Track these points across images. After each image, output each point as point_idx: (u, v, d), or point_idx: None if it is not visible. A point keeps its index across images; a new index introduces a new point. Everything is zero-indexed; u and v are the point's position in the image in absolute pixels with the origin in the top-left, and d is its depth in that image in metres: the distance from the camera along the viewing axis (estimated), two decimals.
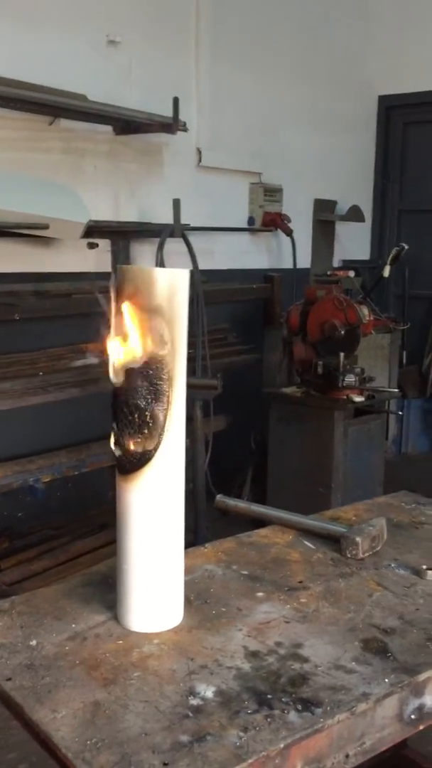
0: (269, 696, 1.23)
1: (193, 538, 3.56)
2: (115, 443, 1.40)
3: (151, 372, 1.36)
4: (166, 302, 1.35)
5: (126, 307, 1.35)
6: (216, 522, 4.04)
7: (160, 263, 3.92)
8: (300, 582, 1.64)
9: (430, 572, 1.66)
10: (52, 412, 3.81)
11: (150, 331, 1.35)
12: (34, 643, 1.37)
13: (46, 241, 3.75)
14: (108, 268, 4.18)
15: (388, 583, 1.64)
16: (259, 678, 1.28)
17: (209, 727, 1.14)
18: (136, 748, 1.09)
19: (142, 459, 1.38)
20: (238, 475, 4.69)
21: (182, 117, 4.04)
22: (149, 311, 1.34)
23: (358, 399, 3.99)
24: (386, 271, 4.21)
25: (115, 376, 1.38)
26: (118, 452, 1.40)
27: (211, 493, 4.09)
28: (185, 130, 4.15)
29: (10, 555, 3.61)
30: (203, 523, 3.84)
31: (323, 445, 4.00)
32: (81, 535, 3.90)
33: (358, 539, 1.75)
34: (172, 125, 4.02)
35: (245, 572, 1.68)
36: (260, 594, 1.58)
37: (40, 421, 3.84)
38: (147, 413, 1.37)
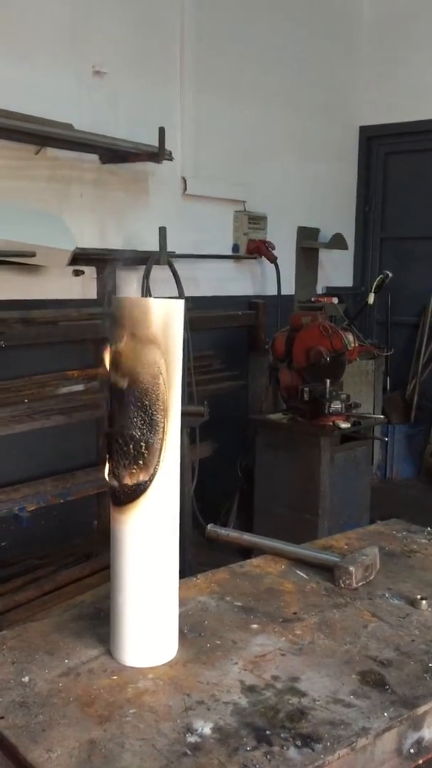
0: (268, 732, 1.21)
1: (180, 567, 3.53)
2: (110, 474, 1.39)
3: (146, 402, 1.35)
4: (161, 332, 1.35)
5: (121, 337, 1.35)
6: (200, 549, 4.01)
7: (146, 291, 3.92)
8: (294, 613, 1.63)
9: (424, 602, 1.66)
10: (37, 439, 3.78)
11: (145, 361, 1.34)
12: (26, 679, 1.34)
13: (32, 268, 3.75)
14: (94, 295, 4.18)
15: (383, 613, 1.63)
16: (257, 713, 1.26)
17: (208, 766, 1.12)
18: None
19: (137, 490, 1.37)
20: (224, 502, 4.67)
21: (168, 146, 4.08)
22: (144, 341, 1.34)
23: (345, 425, 3.99)
24: (371, 299, 4.25)
25: (109, 408, 1.37)
26: (112, 484, 1.39)
27: (197, 521, 4.06)
28: (171, 159, 4.18)
29: None
30: (190, 551, 3.81)
31: (310, 471, 4.00)
32: (66, 564, 3.84)
33: (351, 569, 1.74)
34: (157, 154, 4.05)
35: (239, 603, 1.67)
36: (255, 626, 1.57)
37: (25, 448, 3.80)
38: (142, 444, 1.36)
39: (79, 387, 3.91)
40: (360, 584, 1.75)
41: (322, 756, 1.15)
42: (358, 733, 1.21)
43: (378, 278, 4.29)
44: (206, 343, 4.78)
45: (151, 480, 1.37)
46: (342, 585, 1.75)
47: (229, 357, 4.93)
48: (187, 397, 4.01)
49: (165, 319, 1.36)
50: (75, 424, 3.81)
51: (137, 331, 1.34)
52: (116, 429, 1.36)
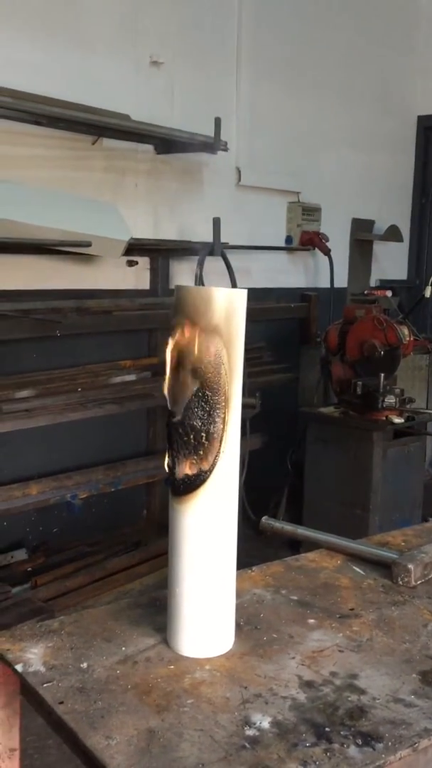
0: (327, 729, 1.19)
1: None
2: (170, 464, 1.39)
3: (207, 392, 1.34)
4: (223, 322, 1.34)
5: (183, 326, 1.34)
6: (249, 542, 4.00)
7: (199, 282, 3.92)
8: (351, 609, 1.60)
9: None
10: (89, 428, 3.82)
11: (208, 351, 1.33)
12: (85, 665, 1.35)
13: (87, 258, 3.78)
14: (147, 286, 4.20)
15: None
16: (316, 709, 1.24)
17: (267, 760, 1.11)
18: None
19: (197, 480, 1.36)
20: (274, 495, 4.65)
21: (223, 136, 4.06)
22: (207, 331, 1.33)
23: (398, 420, 3.93)
24: (428, 292, 4.16)
25: (170, 398, 1.37)
26: (172, 474, 1.38)
27: (246, 514, 4.06)
28: (225, 149, 4.16)
29: (46, 570, 3.61)
30: (238, 544, 3.80)
31: (361, 466, 3.95)
32: (116, 552, 3.89)
33: (410, 566, 1.71)
34: (213, 144, 4.04)
35: (295, 597, 1.65)
36: (311, 621, 1.55)
37: (78, 436, 3.85)
38: (203, 434, 1.35)
39: (131, 377, 3.94)
40: (419, 582, 1.72)
41: (383, 756, 1.13)
42: (420, 734, 1.18)
43: None
44: (258, 335, 4.76)
45: (211, 470, 1.36)
46: (400, 582, 1.71)
47: (280, 349, 4.90)
48: None
49: (228, 309, 1.34)
50: (126, 413, 3.84)
51: (200, 321, 1.33)
52: (177, 419, 1.35)
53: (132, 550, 3.91)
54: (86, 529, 3.95)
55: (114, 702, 1.25)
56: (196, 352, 1.33)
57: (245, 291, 1.39)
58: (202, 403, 1.34)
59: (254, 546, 4.00)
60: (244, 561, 1.86)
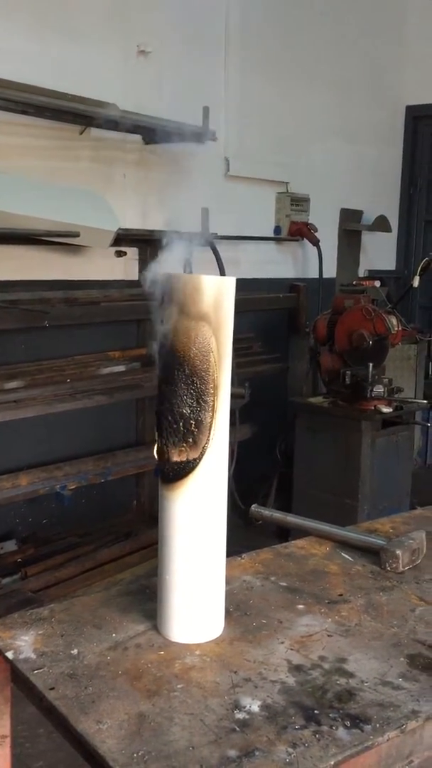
0: (316, 711, 1.20)
1: None
2: (159, 452, 1.39)
3: (196, 380, 1.35)
4: (212, 309, 1.34)
5: (172, 313, 1.34)
6: (237, 530, 4.01)
7: (188, 272, 3.91)
8: (340, 595, 1.62)
9: None
10: (79, 419, 3.81)
11: (196, 338, 1.34)
12: (75, 652, 1.35)
13: (75, 248, 3.76)
14: (136, 276, 4.19)
15: (431, 597, 1.61)
16: (305, 692, 1.26)
17: (257, 742, 1.12)
18: (184, 762, 1.07)
19: (186, 468, 1.37)
20: (263, 484, 4.66)
21: (211, 126, 4.05)
22: (196, 318, 1.33)
23: (387, 410, 3.94)
24: (415, 282, 4.18)
25: (159, 385, 1.37)
26: (161, 461, 1.39)
27: (235, 503, 4.07)
28: (214, 139, 4.15)
29: (36, 562, 3.61)
30: (227, 533, 3.81)
31: (350, 455, 3.97)
32: (106, 542, 3.89)
33: (398, 552, 1.72)
34: (201, 134, 4.02)
35: (284, 584, 1.66)
36: (300, 606, 1.56)
37: (67, 427, 3.85)
38: (192, 421, 1.35)
39: (121, 368, 3.94)
40: (406, 568, 1.74)
41: (371, 737, 1.15)
42: (408, 716, 1.20)
43: (423, 261, 4.21)
44: (247, 326, 4.77)
45: (200, 458, 1.36)
46: (388, 568, 1.73)
47: (269, 339, 4.91)
48: None
49: (216, 296, 1.35)
50: (116, 404, 3.84)
51: (188, 308, 1.33)
52: (166, 406, 1.36)
53: (122, 541, 3.91)
54: (76, 520, 3.95)
55: (105, 687, 1.26)
56: (184, 339, 1.33)
57: (234, 279, 1.40)
58: (191, 391, 1.35)
59: (244, 535, 4.01)
60: (234, 550, 1.87)
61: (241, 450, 4.17)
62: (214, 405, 1.37)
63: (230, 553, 1.83)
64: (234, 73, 4.69)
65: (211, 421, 1.37)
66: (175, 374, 1.34)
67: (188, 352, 1.34)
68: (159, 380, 1.37)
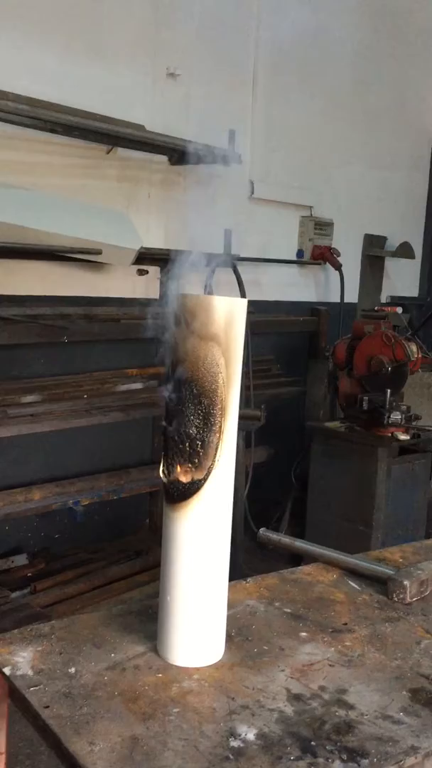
0: (313, 743, 1.18)
1: (230, 570, 3.52)
2: (164, 471, 1.39)
3: (204, 400, 1.34)
4: (223, 331, 1.34)
5: (182, 333, 1.34)
6: (251, 554, 3.99)
7: (209, 293, 3.93)
8: (345, 624, 1.59)
9: None
10: (94, 435, 3.82)
11: (205, 359, 1.33)
12: (72, 670, 1.34)
13: (97, 266, 3.80)
14: (156, 295, 4.21)
15: None
16: (303, 723, 1.23)
17: None
18: None
19: (191, 488, 1.36)
20: (277, 508, 4.63)
21: (237, 149, 4.08)
22: (206, 339, 1.33)
23: (404, 437, 3.91)
24: None
25: (167, 404, 1.37)
26: (166, 480, 1.38)
27: (248, 526, 4.04)
28: (240, 162, 4.18)
29: (46, 576, 3.60)
30: (241, 556, 3.79)
31: (365, 482, 3.93)
32: (117, 560, 3.88)
33: (406, 583, 1.69)
34: (227, 156, 4.05)
35: (288, 610, 1.64)
36: (303, 634, 1.54)
37: (82, 443, 3.86)
38: (198, 442, 1.35)
39: (138, 385, 3.94)
40: (414, 599, 1.70)
41: None
42: (407, 752, 1.17)
43: None
44: (267, 348, 4.76)
45: (205, 479, 1.36)
46: (395, 599, 1.70)
47: (288, 362, 4.90)
48: (245, 401, 3.99)
49: (227, 317, 1.35)
50: (132, 421, 3.84)
51: (199, 329, 1.33)
52: (173, 426, 1.36)
53: (133, 559, 3.90)
54: (88, 536, 3.94)
55: (100, 708, 1.24)
56: (193, 359, 1.33)
57: (246, 300, 1.39)
58: (198, 411, 1.34)
59: (256, 558, 3.99)
60: (246, 574, 1.85)
61: (257, 473, 4.15)
62: (221, 426, 1.36)
63: (242, 576, 1.81)
64: (261, 97, 4.73)
65: (218, 442, 1.36)
66: (182, 394, 1.34)
67: (197, 372, 1.33)
68: (167, 399, 1.37)
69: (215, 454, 1.36)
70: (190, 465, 1.35)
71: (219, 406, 1.35)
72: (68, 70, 3.63)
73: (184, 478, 1.36)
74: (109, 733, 1.18)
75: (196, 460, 1.35)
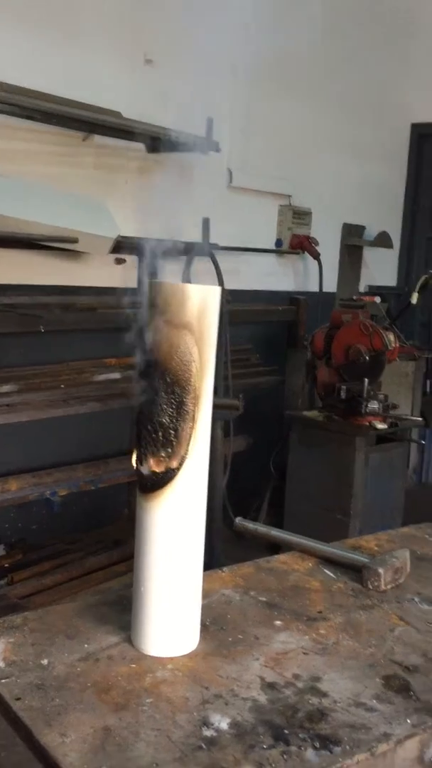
0: (286, 731, 1.18)
1: (208, 560, 3.51)
2: (137, 460, 1.38)
3: (177, 389, 1.33)
4: (196, 319, 1.33)
5: (155, 321, 1.33)
6: (230, 544, 3.99)
7: (187, 281, 3.90)
8: (319, 612, 1.60)
9: None
10: (71, 425, 3.79)
11: (178, 347, 1.32)
12: (45, 662, 1.33)
13: (74, 254, 3.76)
14: (134, 284, 4.18)
15: (411, 618, 1.59)
16: (276, 711, 1.23)
17: (223, 761, 1.10)
18: None
19: (165, 478, 1.35)
20: (256, 497, 4.64)
21: (215, 137, 4.05)
22: (179, 327, 1.32)
23: (381, 426, 3.93)
24: (414, 298, 4.17)
25: (139, 393, 1.36)
26: (139, 470, 1.37)
27: (227, 515, 4.04)
28: (218, 150, 4.15)
29: (23, 567, 3.58)
30: (218, 545, 3.79)
31: (343, 471, 3.95)
32: (94, 551, 3.86)
33: (380, 570, 1.70)
34: (205, 144, 4.02)
35: (263, 599, 1.64)
36: (278, 623, 1.54)
37: (59, 434, 3.83)
38: (171, 431, 1.34)
39: (116, 375, 3.92)
40: (388, 587, 1.71)
41: (340, 759, 1.12)
42: (379, 739, 1.18)
43: (423, 278, 4.20)
44: (245, 337, 4.75)
45: (179, 468, 1.35)
46: (370, 587, 1.71)
47: (267, 352, 4.89)
48: (223, 390, 3.99)
49: (200, 305, 1.34)
50: (110, 411, 3.81)
51: (172, 317, 1.32)
52: (145, 415, 1.34)
53: (111, 549, 3.89)
54: (65, 527, 3.92)
55: (72, 699, 1.23)
56: (166, 348, 1.32)
57: (219, 288, 1.38)
58: (171, 400, 1.33)
59: (234, 548, 3.99)
60: (224, 563, 1.85)
61: (235, 462, 4.15)
62: (194, 415, 1.35)
63: (219, 565, 1.81)
64: (240, 85, 4.69)
65: (191, 431, 1.35)
66: (155, 383, 1.33)
67: (170, 361, 1.32)
68: (139, 388, 1.35)
69: (188, 443, 1.35)
70: (163, 454, 1.34)
71: (192, 395, 1.34)
72: (44, 57, 3.57)
73: (157, 468, 1.35)
74: (81, 724, 1.17)
75: (170, 450, 1.34)
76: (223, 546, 3.84)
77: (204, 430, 1.37)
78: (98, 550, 3.86)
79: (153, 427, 1.34)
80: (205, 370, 1.35)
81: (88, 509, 4.04)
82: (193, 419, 1.35)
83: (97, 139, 3.86)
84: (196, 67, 4.43)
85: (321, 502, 4.03)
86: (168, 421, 1.33)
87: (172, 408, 1.33)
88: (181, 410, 1.33)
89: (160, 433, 1.33)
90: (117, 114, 3.80)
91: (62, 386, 3.63)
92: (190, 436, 1.35)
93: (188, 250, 4.05)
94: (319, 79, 5.25)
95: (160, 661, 1.36)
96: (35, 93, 3.42)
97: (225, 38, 4.64)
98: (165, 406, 1.33)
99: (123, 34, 3.95)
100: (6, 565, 3.58)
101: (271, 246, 5.10)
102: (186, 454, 1.35)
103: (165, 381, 1.32)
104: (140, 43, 4.04)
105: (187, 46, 4.33)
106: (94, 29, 3.80)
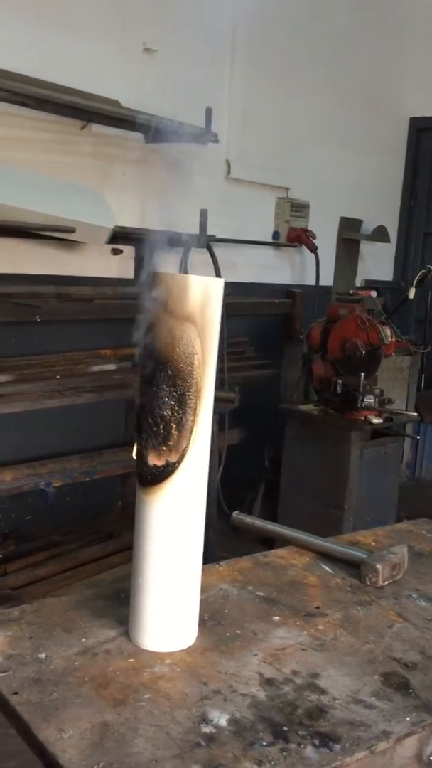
0: (285, 728, 1.17)
1: (203, 553, 3.51)
2: (138, 453, 1.36)
3: (179, 382, 1.32)
4: (198, 311, 1.31)
5: (157, 313, 1.31)
6: (224, 537, 3.98)
7: (184, 273, 3.88)
8: (317, 608, 1.59)
9: None
10: (67, 416, 3.77)
11: (180, 339, 1.31)
12: (43, 656, 1.32)
13: (70, 244, 3.73)
14: (131, 275, 4.16)
15: (409, 614, 1.59)
16: (275, 708, 1.22)
17: (222, 758, 1.09)
18: None
19: (165, 471, 1.34)
20: (250, 491, 4.63)
21: (214, 129, 4.02)
22: (181, 319, 1.30)
23: (377, 421, 3.92)
24: (411, 293, 4.15)
25: (141, 385, 1.34)
26: (139, 463, 1.35)
27: (221, 508, 4.03)
28: (216, 141, 4.12)
29: (17, 558, 3.57)
30: (213, 539, 3.78)
31: (338, 465, 3.94)
32: (88, 542, 3.85)
33: (378, 566, 1.69)
34: (203, 135, 3.99)
35: (261, 594, 1.63)
36: (276, 618, 1.53)
37: (54, 424, 3.81)
38: (172, 424, 1.32)
39: (111, 366, 3.89)
40: (386, 583, 1.71)
41: (339, 757, 1.12)
42: (378, 736, 1.17)
43: (420, 273, 4.18)
44: (241, 330, 4.73)
45: (179, 461, 1.33)
46: (368, 582, 1.70)
47: (263, 345, 4.88)
48: (219, 383, 3.97)
49: (203, 297, 1.32)
50: (105, 402, 3.80)
51: (174, 308, 1.30)
52: (147, 407, 1.33)
53: (105, 541, 3.88)
54: (59, 518, 3.91)
55: (70, 694, 1.22)
56: (168, 340, 1.30)
57: (222, 280, 1.37)
58: (173, 393, 1.32)
59: (229, 541, 3.99)
60: (219, 556, 1.84)
61: (230, 455, 4.14)
62: (196, 408, 1.34)
63: (215, 559, 1.80)
64: (239, 76, 4.66)
65: (193, 424, 1.34)
66: (157, 375, 1.31)
67: (172, 354, 1.31)
68: (141, 381, 1.34)
69: (189, 436, 1.33)
70: (164, 447, 1.33)
71: (194, 388, 1.32)
72: (41, 43, 3.53)
73: (158, 461, 1.33)
74: (79, 719, 1.16)
75: (171, 443, 1.33)
76: (218, 540, 3.83)
77: (205, 424, 1.36)
78: (92, 542, 3.85)
79: (154, 420, 1.32)
80: (207, 362, 1.34)
81: (82, 500, 4.02)
82: (195, 412, 1.33)
83: (95, 128, 3.83)
84: (195, 58, 4.41)
85: (315, 496, 4.02)
86: (169, 414, 1.32)
87: (173, 401, 1.31)
88: (182, 403, 1.32)
89: (161, 426, 1.32)
90: (115, 102, 3.77)
91: (57, 377, 3.61)
92: (192, 430, 1.33)
93: (185, 242, 4.02)
94: (319, 73, 5.23)
95: (159, 656, 1.35)
96: (30, 79, 3.38)
97: (224, 29, 4.60)
98: (167, 399, 1.31)
99: (122, 22, 3.92)
100: (0, 556, 3.57)
101: (269, 238, 5.08)
102: (187, 447, 1.33)
103: (167, 374, 1.31)
104: (139, 31, 4.00)
105: (186, 37, 4.31)
106: (92, 16, 3.77)
